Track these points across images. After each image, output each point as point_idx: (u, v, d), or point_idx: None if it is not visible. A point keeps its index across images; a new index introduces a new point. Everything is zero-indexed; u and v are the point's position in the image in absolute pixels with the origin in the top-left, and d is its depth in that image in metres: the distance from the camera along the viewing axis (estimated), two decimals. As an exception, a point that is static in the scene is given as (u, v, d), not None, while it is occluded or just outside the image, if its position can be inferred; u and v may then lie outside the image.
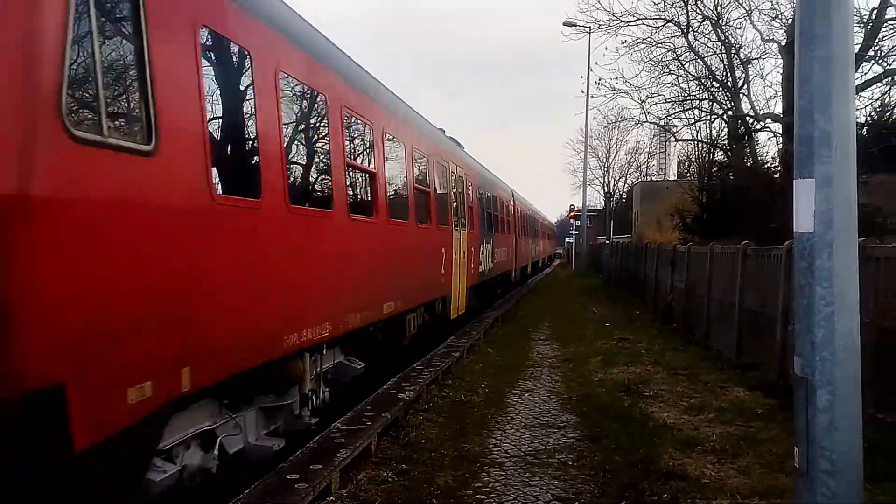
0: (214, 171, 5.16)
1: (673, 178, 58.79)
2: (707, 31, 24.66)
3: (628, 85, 27.90)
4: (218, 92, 5.43)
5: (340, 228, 7.61)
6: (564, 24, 28.56)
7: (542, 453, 7.48)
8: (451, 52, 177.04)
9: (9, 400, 3.44)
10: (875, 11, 20.01)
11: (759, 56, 39.33)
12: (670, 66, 25.68)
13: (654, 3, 36.55)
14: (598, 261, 42.56)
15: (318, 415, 7.51)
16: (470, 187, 16.39)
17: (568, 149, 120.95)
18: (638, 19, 24.43)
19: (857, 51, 19.75)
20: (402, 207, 10.44)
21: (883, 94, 22.86)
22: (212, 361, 5.07)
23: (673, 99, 26.27)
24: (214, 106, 5.33)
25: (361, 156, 8.80)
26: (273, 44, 6.21)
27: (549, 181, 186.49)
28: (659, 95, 26.63)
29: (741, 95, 24.91)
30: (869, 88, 21.58)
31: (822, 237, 4.35)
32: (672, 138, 34.16)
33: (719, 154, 28.26)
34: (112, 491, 4.43)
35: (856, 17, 19.76)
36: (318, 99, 7.36)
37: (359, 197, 8.58)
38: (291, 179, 6.59)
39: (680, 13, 24.19)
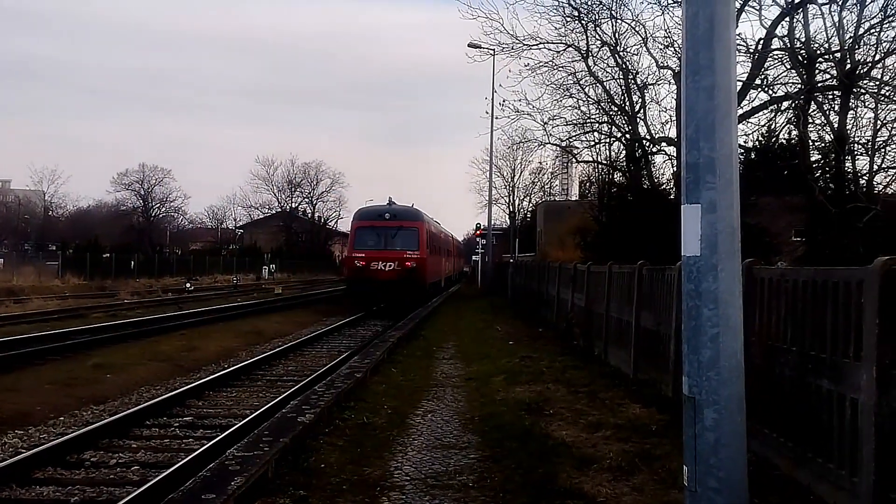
0: (429, 251, 32.73)
1: (575, 198, 60.34)
2: (606, 57, 25.47)
3: (531, 107, 28.31)
4: (428, 238, 32.15)
5: (436, 258, 37.80)
6: (469, 45, 29.03)
7: (444, 475, 7.46)
8: (359, 72, 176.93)
9: (423, 282, 31.12)
10: (761, 42, 21.09)
11: (654, 82, 40.84)
12: (571, 90, 26.38)
13: (556, 28, 37.48)
14: (503, 279, 43.60)
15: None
16: (443, 239, 41.98)
17: (473, 168, 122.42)
18: (540, 43, 24.96)
19: (745, 79, 20.75)
20: (441, 251, 40.88)
21: (769, 120, 24.11)
22: (440, 276, 40.79)
23: (574, 121, 26.95)
24: (429, 241, 32.72)
25: (437, 241, 38.50)
26: (429, 225, 34.37)
27: (455, 199, 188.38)
28: (560, 118, 27.26)
29: (638, 119, 25.81)
30: (756, 115, 22.73)
31: (707, 261, 4.50)
32: (573, 159, 35.13)
33: (618, 175, 29.13)
34: (433, 294, 36.69)
35: (742, 48, 20.79)
36: (434, 231, 36.74)
37: (440, 250, 40.19)
38: (432, 249, 34.67)
39: (580, 38, 24.90)
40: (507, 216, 77.02)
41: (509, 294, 36.79)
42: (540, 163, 69.00)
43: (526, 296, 29.03)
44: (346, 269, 36.19)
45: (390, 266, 30.01)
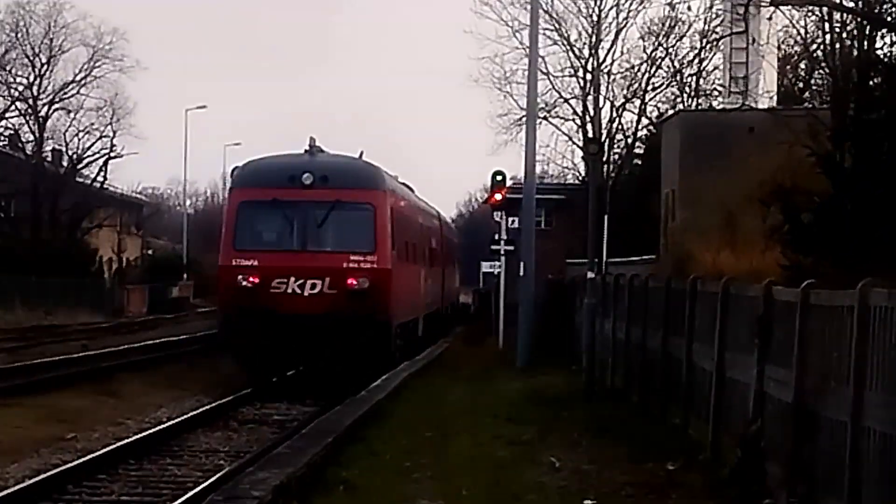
0: (396, 254, 17.70)
1: (766, 104, 27.27)
2: None
3: None
4: (396, 226, 17.60)
5: (411, 271, 20.96)
6: None
7: None
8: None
9: (385, 322, 16.80)
10: None
11: None
12: None
13: None
14: (566, 321, 20.24)
15: (420, 336, 22.33)
16: (423, 227, 25.00)
17: (484, 19, 40.98)
18: None
19: None
20: (421, 254, 22.95)
21: None
22: (417, 310, 21.82)
23: None
24: (398, 232, 17.86)
25: (413, 231, 21.19)
26: (397, 198, 19.08)
27: (443, 112, 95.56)
28: None
29: None
30: None
31: None
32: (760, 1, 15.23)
33: (886, 42, 13.76)
34: (404, 342, 19.39)
35: None
36: (406, 211, 20.25)
37: (417, 252, 21.85)
38: (404, 250, 19.25)
39: None
40: (581, 154, 33.20)
41: (585, 365, 15.34)
42: (671, 5, 30.98)
43: (631, 371, 13.88)
44: (220, 291, 17.79)
45: (314, 286, 15.75)
